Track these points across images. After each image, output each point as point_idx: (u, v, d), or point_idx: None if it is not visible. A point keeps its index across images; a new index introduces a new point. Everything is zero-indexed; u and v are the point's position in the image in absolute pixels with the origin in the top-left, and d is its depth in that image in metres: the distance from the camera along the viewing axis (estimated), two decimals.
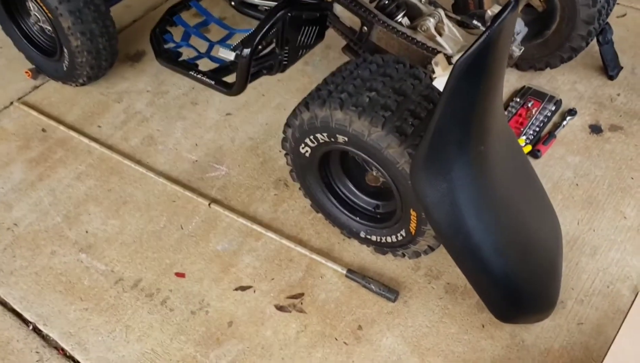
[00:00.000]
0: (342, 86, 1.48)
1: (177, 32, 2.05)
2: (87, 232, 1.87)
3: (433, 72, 1.63)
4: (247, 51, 1.58)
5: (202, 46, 2.03)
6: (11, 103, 2.33)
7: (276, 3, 1.98)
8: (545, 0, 2.08)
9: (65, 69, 2.20)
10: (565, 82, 2.20)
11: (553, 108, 2.07)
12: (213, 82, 1.72)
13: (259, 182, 1.98)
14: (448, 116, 1.20)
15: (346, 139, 1.45)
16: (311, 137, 1.54)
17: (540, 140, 1.98)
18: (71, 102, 2.31)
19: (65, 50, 2.11)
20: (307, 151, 1.60)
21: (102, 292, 1.72)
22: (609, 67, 2.17)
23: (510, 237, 1.38)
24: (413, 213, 1.48)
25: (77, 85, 2.30)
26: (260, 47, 1.62)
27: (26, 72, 2.38)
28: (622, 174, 1.89)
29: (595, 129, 2.03)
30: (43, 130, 2.21)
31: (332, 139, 1.49)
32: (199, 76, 1.76)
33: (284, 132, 1.64)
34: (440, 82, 1.37)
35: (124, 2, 2.52)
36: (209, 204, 1.90)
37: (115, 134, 2.18)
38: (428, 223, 1.47)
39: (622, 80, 2.19)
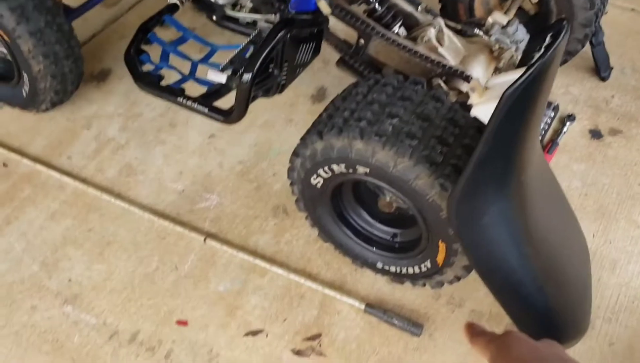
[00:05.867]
0: (358, 113, 1.36)
1: (153, 51, 1.86)
2: (70, 280, 1.68)
3: (454, 99, 1.52)
4: (248, 76, 1.43)
5: (183, 65, 1.86)
6: None
7: (259, 16, 1.86)
8: (538, 3, 2.02)
9: (25, 95, 1.98)
10: (559, 85, 2.15)
11: (552, 114, 2.01)
12: (207, 109, 1.56)
13: (255, 211, 1.83)
14: (492, 148, 1.11)
15: (368, 170, 1.34)
16: (325, 168, 1.41)
17: (544, 149, 1.92)
18: (33, 130, 2.08)
19: (25, 75, 1.89)
20: (319, 182, 1.47)
21: (96, 349, 1.55)
22: (601, 69, 2.14)
23: (549, 269, 1.30)
24: (442, 244, 1.38)
25: (38, 112, 2.08)
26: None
27: None
28: (629, 181, 1.85)
29: (596, 134, 1.99)
30: (4, 164, 1.98)
31: (351, 170, 1.37)
32: (188, 103, 1.59)
33: (291, 161, 1.50)
34: (479, 110, 1.27)
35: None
36: (204, 239, 1.74)
37: (88, 165, 1.98)
38: (458, 255, 1.38)
39: (613, 82, 2.16)
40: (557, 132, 1.97)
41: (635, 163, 1.89)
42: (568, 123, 1.99)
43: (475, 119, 1.33)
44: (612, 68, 2.17)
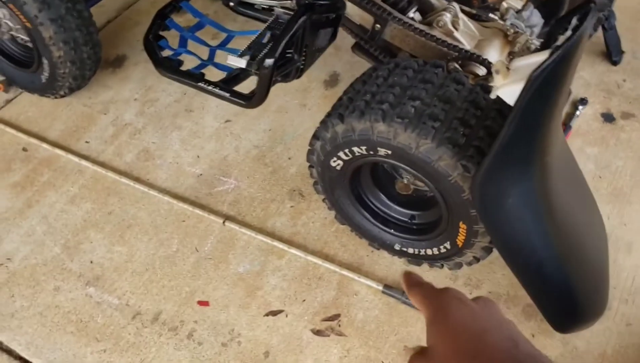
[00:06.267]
0: (379, 95, 1.38)
1: (171, 37, 1.88)
2: (91, 262, 1.71)
3: (473, 80, 1.54)
4: (270, 61, 1.45)
5: (201, 51, 1.87)
6: None
7: (276, 2, 1.87)
8: None
9: (44, 80, 1.99)
10: None
11: None
12: (228, 94, 1.58)
13: (272, 194, 1.86)
14: (518, 129, 1.12)
15: (389, 152, 1.36)
16: (346, 150, 1.43)
17: None
18: (52, 116, 2.11)
19: (45, 61, 1.91)
20: (338, 165, 1.49)
21: (119, 330, 1.58)
22: (613, 53, 2.15)
23: (570, 249, 1.32)
24: (462, 226, 1.41)
25: (56, 97, 2.10)
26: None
27: None
28: None
29: (608, 118, 2.00)
30: (24, 149, 2.01)
31: (372, 152, 1.39)
32: (210, 88, 1.61)
33: (311, 144, 1.52)
34: (504, 92, 1.28)
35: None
36: (223, 222, 1.77)
37: (106, 149, 2.00)
38: (479, 236, 1.40)
39: (625, 65, 2.17)
40: (570, 116, 1.99)
41: None
42: (580, 107, 2.01)
43: (496, 101, 1.34)
44: (623, 52, 2.18)
